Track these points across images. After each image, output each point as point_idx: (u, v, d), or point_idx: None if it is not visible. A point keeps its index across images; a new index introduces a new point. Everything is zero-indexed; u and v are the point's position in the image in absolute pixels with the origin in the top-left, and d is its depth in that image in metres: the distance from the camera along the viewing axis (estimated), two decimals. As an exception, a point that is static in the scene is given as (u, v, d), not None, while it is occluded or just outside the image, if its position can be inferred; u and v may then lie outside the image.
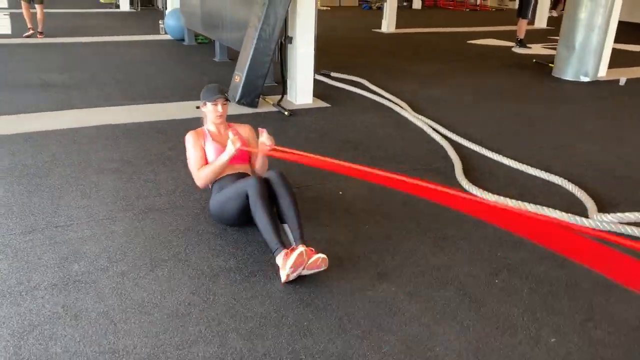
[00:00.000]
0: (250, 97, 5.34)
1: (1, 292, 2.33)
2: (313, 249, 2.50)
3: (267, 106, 5.44)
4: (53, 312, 2.21)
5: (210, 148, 2.96)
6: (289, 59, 5.60)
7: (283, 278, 2.42)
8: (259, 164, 3.05)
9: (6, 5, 14.14)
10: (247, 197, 2.63)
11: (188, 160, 3.01)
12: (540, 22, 13.76)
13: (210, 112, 2.98)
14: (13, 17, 11.58)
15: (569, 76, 7.34)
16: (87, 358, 1.98)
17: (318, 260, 2.45)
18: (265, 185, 2.67)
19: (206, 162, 2.95)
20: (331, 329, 2.18)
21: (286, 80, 5.66)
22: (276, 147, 2.79)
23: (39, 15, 9.09)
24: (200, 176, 2.93)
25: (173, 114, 5.01)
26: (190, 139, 3.00)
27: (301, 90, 5.56)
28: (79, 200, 3.23)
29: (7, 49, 8.18)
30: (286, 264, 2.40)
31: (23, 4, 9.02)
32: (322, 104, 5.63)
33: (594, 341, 2.16)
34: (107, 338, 2.08)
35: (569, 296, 2.45)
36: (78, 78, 6.44)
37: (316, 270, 2.47)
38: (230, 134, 2.89)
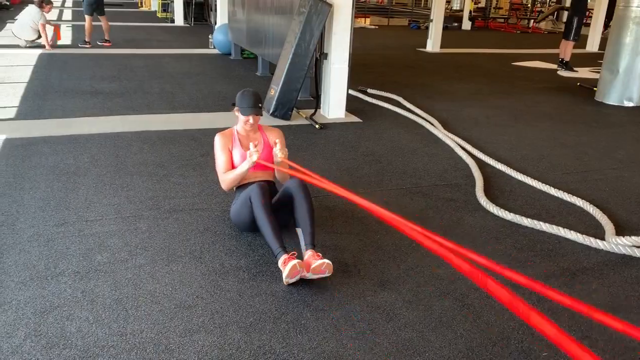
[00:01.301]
0: (283, 109, 5.52)
1: (30, 276, 2.54)
2: (319, 254, 2.61)
3: (299, 119, 5.61)
4: (73, 297, 2.40)
5: (237, 153, 3.05)
6: (324, 75, 5.76)
7: (284, 282, 2.54)
8: (279, 173, 3.11)
9: (70, 18, 15.04)
10: (251, 202, 2.76)
11: (216, 161, 3.09)
12: (592, 45, 13.48)
13: (241, 120, 3.05)
14: (75, 28, 12.32)
15: (612, 100, 7.20)
16: (97, 338, 2.14)
17: (323, 265, 2.54)
18: (267, 191, 2.79)
19: (232, 166, 3.05)
20: (327, 329, 2.27)
21: (320, 95, 5.82)
22: (288, 160, 2.90)
23: (104, 26, 9.92)
24: (224, 179, 3.05)
25: (209, 123, 5.25)
26: (218, 141, 3.07)
27: (334, 105, 5.71)
28: (111, 198, 3.46)
29: (66, 58, 8.72)
30: (283, 273, 2.52)
31: (87, 17, 9.69)
32: (354, 119, 5.75)
33: None
34: (117, 322, 2.25)
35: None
36: (126, 87, 6.82)
37: (321, 275, 2.57)
38: (251, 146, 2.88)
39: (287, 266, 2.49)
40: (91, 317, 2.27)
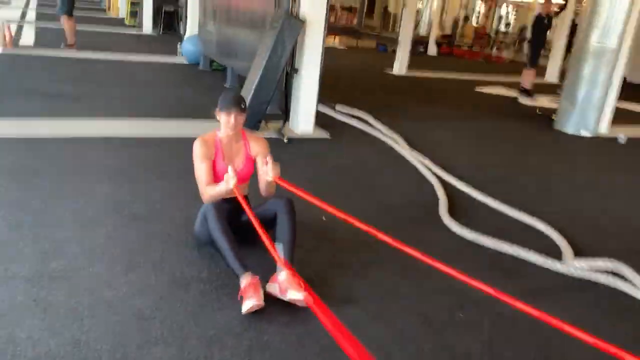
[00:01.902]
0: (252, 121, 5.47)
1: (-22, 280, 2.42)
2: (298, 278, 2.47)
3: (268, 132, 5.58)
4: (24, 303, 2.29)
5: (219, 164, 2.88)
6: (294, 89, 5.77)
7: (243, 309, 2.38)
8: (263, 187, 2.92)
9: (34, 19, 14.66)
10: (206, 219, 2.69)
11: (195, 169, 2.88)
12: (551, 75, 13.97)
13: (224, 121, 2.85)
14: (38, 29, 12.00)
15: (570, 129, 7.44)
16: (49, 347, 2.04)
17: (301, 301, 2.38)
18: (224, 209, 2.70)
19: (215, 174, 2.85)
20: (290, 344, 2.23)
21: (289, 109, 5.82)
22: (281, 178, 2.76)
23: (66, 27, 9.43)
24: (205, 193, 2.83)
25: (174, 131, 5.16)
26: (198, 147, 2.86)
27: (303, 119, 5.71)
28: (70, 203, 3.34)
29: (30, 59, 8.46)
30: (243, 305, 2.38)
31: (65, 17, 9.26)
32: (322, 134, 5.76)
33: (546, 378, 2.19)
34: (71, 331, 2.15)
35: (528, 332, 2.49)
36: (89, 90, 6.65)
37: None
38: (230, 170, 2.68)
39: (247, 301, 2.37)
40: (43, 325, 2.17)
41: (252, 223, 2.53)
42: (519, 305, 1.34)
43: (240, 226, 2.86)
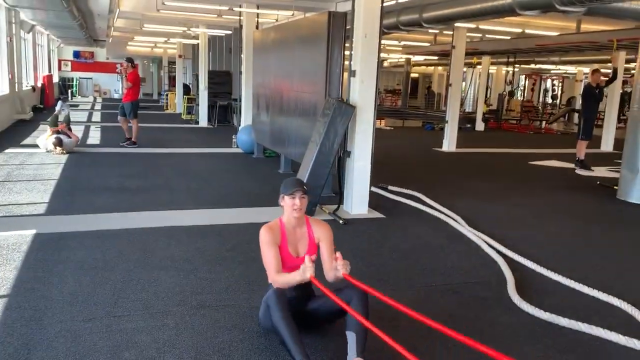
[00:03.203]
0: (308, 205, 5.56)
1: (56, 374, 2.48)
2: None
3: (323, 215, 5.64)
4: (99, 396, 2.32)
5: (285, 251, 2.92)
6: (347, 172, 5.88)
7: None
8: (331, 275, 2.90)
9: (99, 120, 15.79)
10: (268, 306, 2.69)
11: (263, 256, 2.91)
12: (606, 145, 13.69)
13: (288, 206, 2.90)
14: (103, 129, 12.88)
15: (634, 199, 7.17)
16: None
17: None
18: (287, 296, 2.71)
19: (283, 262, 2.89)
20: None
21: (343, 191, 5.91)
22: (348, 275, 2.72)
23: (134, 127, 10.32)
24: (275, 280, 2.84)
25: (234, 219, 5.30)
26: (265, 235, 2.90)
27: (357, 201, 5.77)
28: (138, 293, 3.43)
29: (95, 156, 9.04)
30: None
31: (120, 118, 10.26)
32: (377, 214, 5.78)
33: None
34: None
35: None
36: (153, 183, 6.99)
37: None
38: (307, 259, 2.69)
39: None
40: (118, 419, 2.17)
41: (317, 312, 2.54)
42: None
43: (306, 314, 2.85)
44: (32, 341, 2.76)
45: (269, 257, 2.88)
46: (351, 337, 2.61)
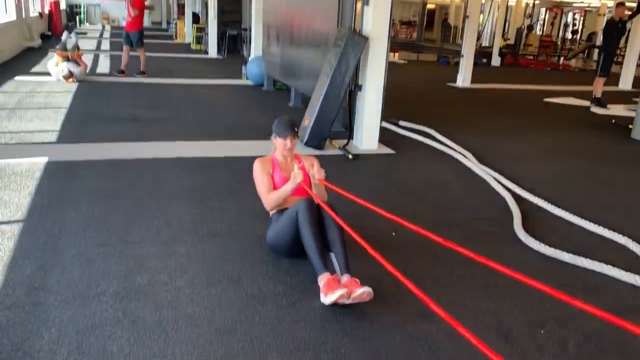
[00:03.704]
0: (317, 139, 5.57)
1: (72, 294, 2.58)
2: (358, 280, 2.60)
3: (333, 149, 5.64)
4: (114, 316, 2.43)
5: (277, 177, 3.17)
6: (358, 106, 5.82)
7: (325, 302, 2.57)
8: (317, 192, 3.13)
9: (108, 48, 15.57)
10: (297, 216, 2.80)
11: (256, 185, 3.19)
12: (625, 83, 13.35)
13: (280, 145, 3.18)
14: (112, 58, 12.74)
15: (648, 138, 7.08)
16: (138, 359, 2.15)
17: (364, 294, 2.54)
18: (315, 207, 2.83)
19: (274, 188, 3.13)
20: (367, 359, 2.23)
21: (353, 126, 5.87)
22: (325, 181, 3.05)
23: (141, 58, 10.11)
24: (269, 200, 3.11)
25: (244, 151, 5.31)
26: (257, 165, 3.20)
27: (367, 136, 5.73)
28: (150, 221, 3.50)
29: (105, 86, 8.99)
30: (327, 297, 2.53)
31: (124, 47, 9.99)
32: (386, 150, 5.76)
33: (639, 401, 2.08)
34: (158, 344, 2.25)
35: (618, 353, 2.38)
36: (163, 114, 6.98)
37: (360, 301, 2.56)
38: (295, 167, 3.07)
39: (335, 293, 2.50)
40: (132, 338, 2.28)
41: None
42: (606, 316, 1.26)
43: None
44: (48, 264, 2.86)
45: (261, 182, 3.14)
46: (333, 257, 2.80)
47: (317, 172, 3.03)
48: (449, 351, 2.32)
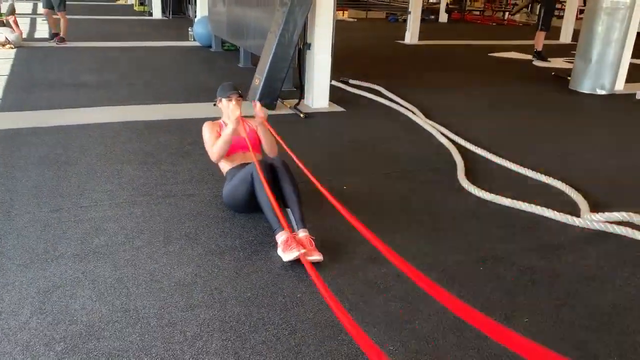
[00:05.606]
0: (268, 99, 5.60)
1: (30, 258, 2.61)
2: (313, 239, 2.73)
3: (284, 109, 5.70)
4: (74, 277, 2.48)
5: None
6: (307, 65, 5.86)
7: (282, 258, 2.67)
8: (265, 141, 3.28)
9: (30, 12, 14.83)
10: (252, 179, 2.87)
11: (205, 143, 3.28)
12: (565, 37, 13.80)
13: (225, 107, 3.25)
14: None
15: (585, 89, 7.43)
16: (101, 314, 2.23)
17: (318, 260, 2.64)
18: (269, 167, 2.93)
19: None
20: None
21: (303, 85, 5.92)
22: (267, 123, 3.21)
23: (62, 22, 9.34)
24: (214, 151, 3.19)
25: (194, 113, 5.30)
26: (206, 127, 3.30)
27: (318, 94, 5.81)
28: (103, 185, 3.52)
29: (45, 51, 8.65)
30: (285, 255, 2.64)
31: (45, 10, 9.28)
32: (337, 108, 5.87)
33: (565, 322, 2.33)
34: (120, 299, 2.33)
35: (549, 284, 2.62)
36: (109, 79, 6.83)
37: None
38: (231, 105, 3.17)
39: (291, 253, 2.60)
40: (94, 296, 2.35)
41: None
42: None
43: None
44: (2, 231, 2.86)
45: (208, 139, 3.23)
46: (289, 213, 2.89)
47: (259, 111, 3.16)
48: (398, 290, 2.50)
